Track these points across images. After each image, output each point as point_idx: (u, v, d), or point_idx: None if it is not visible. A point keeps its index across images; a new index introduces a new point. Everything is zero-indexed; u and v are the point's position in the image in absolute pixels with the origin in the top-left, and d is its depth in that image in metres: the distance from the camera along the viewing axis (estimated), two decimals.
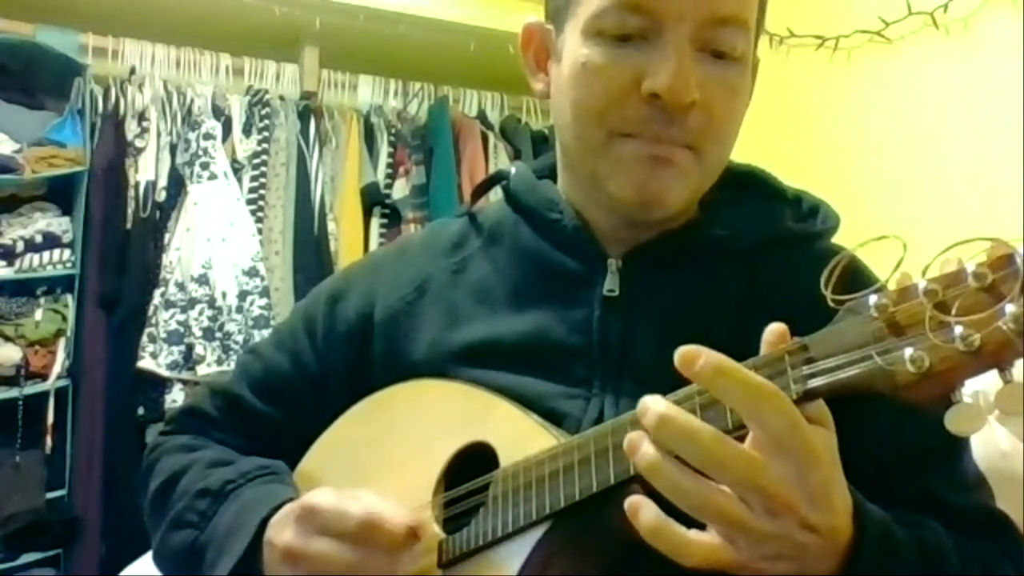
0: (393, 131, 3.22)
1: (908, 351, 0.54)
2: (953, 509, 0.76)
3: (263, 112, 3.01)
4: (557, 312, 0.84)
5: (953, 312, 0.52)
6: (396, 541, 0.72)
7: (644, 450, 0.59)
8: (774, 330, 0.62)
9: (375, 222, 3.13)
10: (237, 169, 2.94)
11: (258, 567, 0.79)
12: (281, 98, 3.08)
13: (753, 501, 0.57)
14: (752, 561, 0.59)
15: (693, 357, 0.57)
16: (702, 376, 0.57)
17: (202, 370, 2.66)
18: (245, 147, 2.97)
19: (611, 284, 0.83)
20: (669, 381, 0.64)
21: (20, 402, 2.58)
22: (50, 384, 2.63)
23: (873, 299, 0.57)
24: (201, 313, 2.71)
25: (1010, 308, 0.50)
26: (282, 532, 0.77)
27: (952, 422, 0.53)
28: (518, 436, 0.76)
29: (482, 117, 3.35)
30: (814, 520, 0.58)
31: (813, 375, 0.59)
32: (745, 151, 0.86)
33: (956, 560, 0.70)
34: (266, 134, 2.99)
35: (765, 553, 0.58)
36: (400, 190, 3.16)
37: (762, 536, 0.57)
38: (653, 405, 0.59)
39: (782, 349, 0.61)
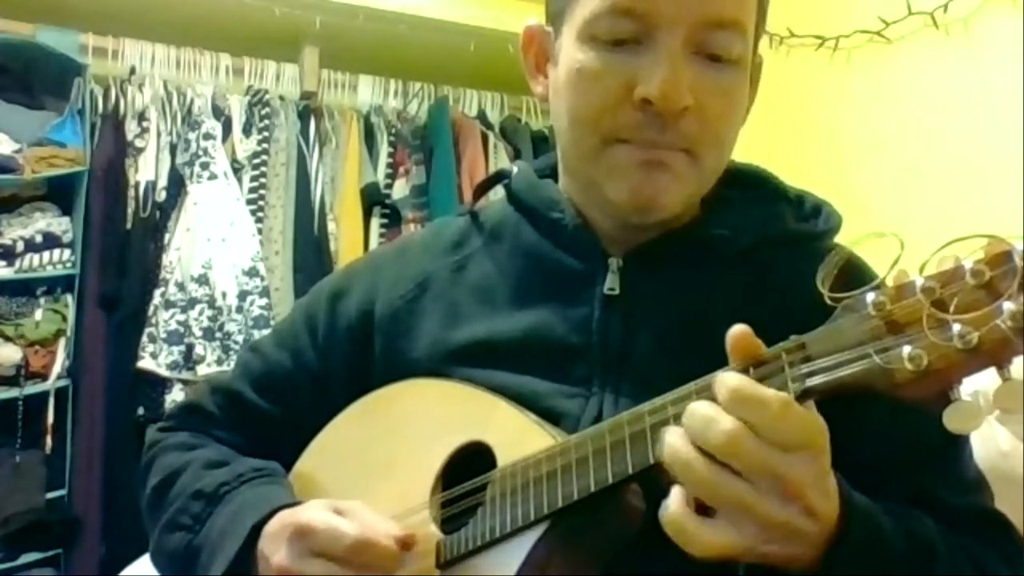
0: (393, 131, 3.22)
1: (906, 349, 0.54)
2: (950, 509, 0.76)
3: (263, 112, 3.01)
4: (558, 311, 0.84)
5: (951, 310, 0.52)
6: (388, 559, 0.73)
7: (670, 439, 0.61)
8: (737, 332, 0.62)
9: (375, 222, 3.13)
10: (237, 169, 2.94)
11: (250, 571, 0.79)
12: (281, 98, 3.08)
13: (767, 487, 0.58)
14: (756, 547, 0.59)
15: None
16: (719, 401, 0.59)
17: (202, 370, 2.66)
18: (245, 147, 2.97)
19: (612, 283, 0.83)
20: (669, 380, 0.64)
21: (20, 402, 2.58)
22: (50, 384, 2.63)
23: (871, 297, 0.57)
24: (201, 313, 2.72)
25: (1008, 306, 0.50)
26: (276, 550, 0.77)
27: (950, 420, 0.53)
28: (516, 436, 0.76)
29: (482, 117, 3.35)
30: (818, 505, 0.59)
31: (811, 374, 0.59)
32: (745, 151, 0.86)
33: (944, 551, 0.70)
34: (266, 134, 2.99)
35: (768, 538, 0.59)
36: (400, 190, 3.16)
37: (768, 522, 0.58)
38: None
39: (780, 347, 0.61)
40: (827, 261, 0.60)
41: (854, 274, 0.62)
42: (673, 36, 0.75)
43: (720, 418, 0.59)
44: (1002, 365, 0.51)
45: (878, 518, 0.65)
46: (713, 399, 0.60)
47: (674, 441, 0.60)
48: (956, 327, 0.51)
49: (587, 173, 0.82)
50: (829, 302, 0.59)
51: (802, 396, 0.59)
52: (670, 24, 0.75)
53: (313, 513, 0.77)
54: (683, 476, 0.60)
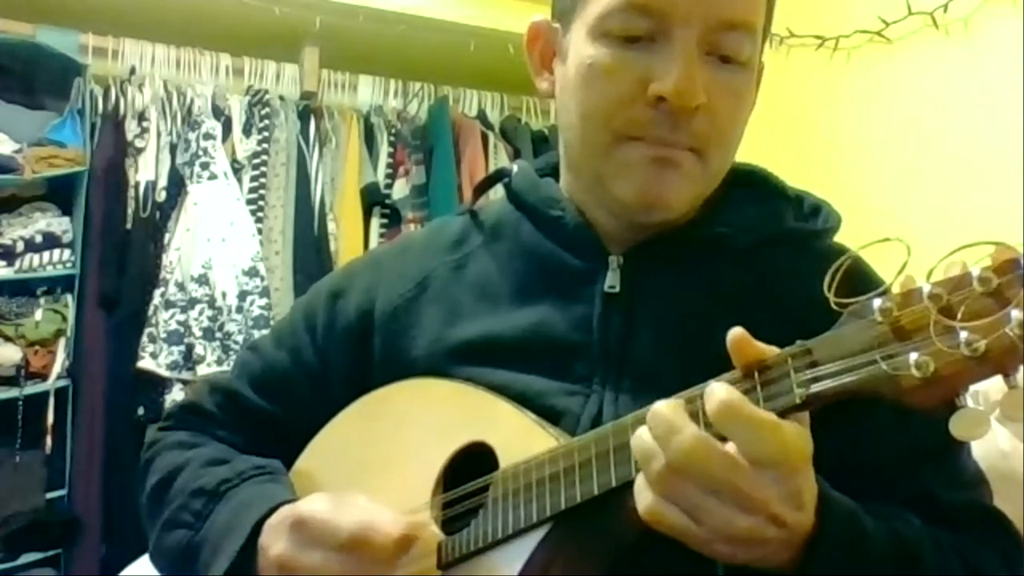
0: (393, 131, 3.22)
1: (913, 356, 0.54)
2: (949, 506, 0.76)
3: (263, 112, 3.00)
4: (558, 309, 0.84)
5: (958, 317, 0.52)
6: (388, 551, 0.72)
7: (640, 431, 0.61)
8: (735, 336, 0.62)
9: (375, 222, 3.13)
10: (237, 169, 2.94)
11: (252, 568, 0.79)
12: (281, 98, 3.08)
13: (729, 500, 0.58)
14: (713, 543, 0.60)
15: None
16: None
17: (202, 370, 2.66)
18: (245, 147, 2.97)
19: (612, 281, 0.83)
20: (669, 378, 0.64)
21: (20, 402, 2.58)
22: (50, 384, 2.62)
23: (877, 303, 0.57)
24: (201, 313, 2.71)
25: (1015, 314, 0.50)
26: (276, 541, 0.77)
27: (956, 427, 0.53)
28: (517, 437, 0.76)
29: (482, 117, 3.35)
30: (787, 517, 0.59)
31: (817, 379, 0.59)
32: (745, 151, 0.86)
33: (932, 553, 0.70)
34: (266, 134, 2.99)
35: (728, 538, 0.59)
36: (400, 190, 3.16)
37: (728, 525, 0.58)
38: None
39: (786, 353, 0.61)
40: (834, 266, 0.59)
41: (860, 279, 0.61)
42: (688, 35, 0.76)
43: (682, 429, 0.59)
44: (1008, 373, 0.51)
45: (859, 518, 0.66)
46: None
47: (646, 440, 0.61)
48: (963, 334, 0.51)
49: (595, 170, 0.82)
50: (835, 307, 0.59)
51: (807, 402, 0.59)
52: (685, 23, 0.75)
53: (313, 505, 0.76)
54: (644, 469, 0.61)
